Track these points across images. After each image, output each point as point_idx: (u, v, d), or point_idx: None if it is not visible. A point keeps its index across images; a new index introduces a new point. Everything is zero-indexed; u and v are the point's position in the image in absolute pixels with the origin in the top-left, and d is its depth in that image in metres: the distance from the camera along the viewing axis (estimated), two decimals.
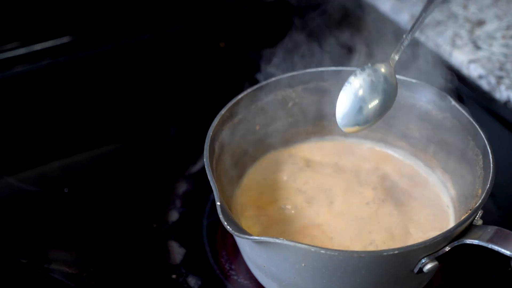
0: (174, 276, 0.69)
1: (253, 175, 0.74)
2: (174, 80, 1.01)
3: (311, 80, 0.74)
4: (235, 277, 0.69)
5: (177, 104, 0.96)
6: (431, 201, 0.71)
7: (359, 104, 0.60)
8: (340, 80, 0.73)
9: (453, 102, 0.68)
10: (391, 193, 0.72)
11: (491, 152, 0.62)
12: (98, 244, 0.74)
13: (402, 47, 0.62)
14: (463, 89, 0.94)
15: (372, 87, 0.60)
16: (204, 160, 0.62)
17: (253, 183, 0.73)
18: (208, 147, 0.64)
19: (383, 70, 0.61)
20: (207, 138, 0.65)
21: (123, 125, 0.92)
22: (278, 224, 0.68)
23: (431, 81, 0.92)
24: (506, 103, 0.91)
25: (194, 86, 0.99)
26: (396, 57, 0.62)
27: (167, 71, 1.03)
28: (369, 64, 0.61)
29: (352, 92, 0.60)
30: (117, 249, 0.73)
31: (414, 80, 0.71)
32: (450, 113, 0.69)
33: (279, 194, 0.72)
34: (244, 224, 0.68)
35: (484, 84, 0.95)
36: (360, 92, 0.60)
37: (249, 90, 0.71)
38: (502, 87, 0.92)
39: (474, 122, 0.66)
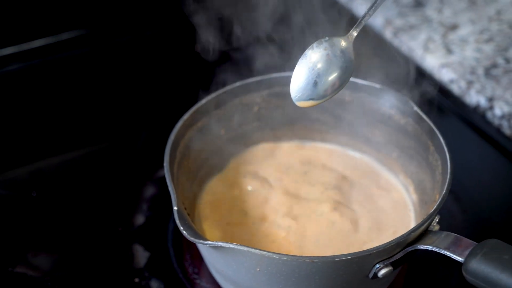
0: (137, 279, 0.70)
1: (218, 179, 0.74)
2: (149, 85, 1.01)
3: (275, 85, 0.74)
4: (198, 281, 0.69)
5: (150, 109, 0.96)
6: (395, 205, 0.72)
7: (314, 79, 0.58)
8: None
9: (415, 108, 0.69)
10: (356, 198, 0.73)
11: (449, 157, 0.63)
12: (63, 247, 0.74)
13: (363, 22, 0.59)
14: (434, 93, 0.95)
15: (328, 62, 0.58)
16: (164, 164, 0.63)
17: (218, 187, 0.74)
18: (169, 152, 0.64)
19: (341, 44, 0.58)
20: (168, 143, 0.65)
21: (94, 130, 0.92)
22: (241, 230, 0.69)
23: (402, 85, 0.93)
24: (475, 108, 0.92)
25: (168, 91, 0.99)
26: (355, 33, 0.59)
27: (142, 76, 1.03)
28: (327, 38, 0.59)
29: (307, 66, 0.58)
30: (81, 253, 0.73)
31: (377, 85, 0.72)
32: (412, 118, 0.70)
33: (243, 200, 0.72)
34: (207, 230, 0.68)
35: (455, 88, 0.95)
36: (316, 66, 0.58)
37: (213, 95, 0.71)
38: (472, 92, 0.92)
39: (434, 128, 0.66)
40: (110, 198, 0.80)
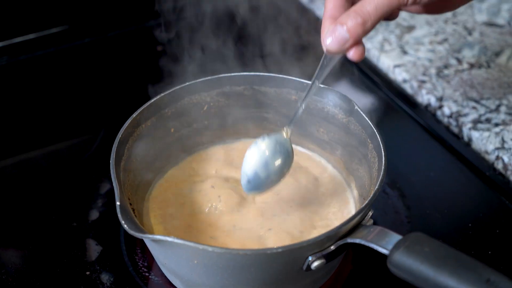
0: (88, 272, 0.72)
1: (167, 176, 0.77)
2: (110, 84, 1.03)
3: (225, 84, 0.76)
4: (147, 274, 0.72)
5: (111, 107, 0.98)
6: (338, 202, 0.74)
7: (258, 174, 0.65)
8: (255, 85, 0.77)
9: (356, 107, 0.71)
10: (302, 194, 0.75)
11: (384, 155, 0.65)
12: (17, 242, 0.76)
13: (296, 116, 0.67)
14: (388, 93, 0.98)
15: (270, 157, 0.65)
16: (110, 161, 0.65)
17: (167, 184, 0.76)
18: (115, 150, 0.66)
19: (279, 140, 0.66)
20: (115, 140, 0.67)
21: (52, 127, 0.94)
22: (188, 225, 0.71)
23: (357, 85, 0.96)
24: (426, 107, 0.95)
25: (129, 90, 1.01)
26: (289, 130, 0.67)
27: (103, 75, 1.05)
28: (266, 136, 0.66)
29: (251, 163, 0.65)
30: (36, 248, 0.75)
31: (322, 85, 0.74)
32: (353, 117, 0.72)
33: (192, 196, 0.74)
34: (154, 224, 0.71)
35: (407, 88, 0.98)
36: (258, 163, 0.65)
37: (162, 94, 0.73)
38: (423, 91, 0.95)
39: (373, 126, 0.69)
40: (67, 194, 0.82)
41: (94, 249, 0.75)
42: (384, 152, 0.66)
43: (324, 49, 0.60)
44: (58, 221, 0.78)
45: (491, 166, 0.85)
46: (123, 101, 0.99)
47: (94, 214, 0.79)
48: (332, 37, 0.59)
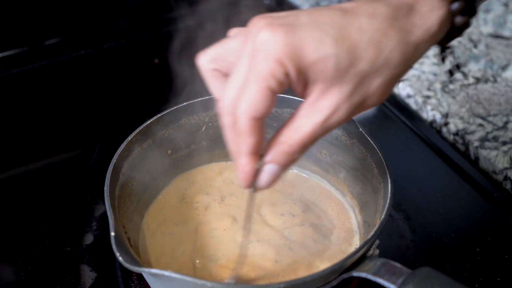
0: None
1: (162, 199, 0.74)
2: (105, 96, 1.01)
3: None
4: None
5: (106, 121, 0.95)
6: (343, 226, 0.72)
7: None
8: None
9: (360, 128, 0.69)
10: (303, 217, 0.72)
11: (390, 181, 0.63)
12: (10, 265, 0.74)
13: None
14: (392, 108, 0.95)
15: None
16: (105, 188, 0.62)
17: (164, 206, 0.73)
18: (109, 176, 0.63)
19: None
20: (110, 165, 0.65)
21: (45, 143, 0.92)
22: (190, 251, 0.68)
23: None
24: (431, 123, 0.92)
25: (125, 102, 0.99)
26: None
27: (98, 88, 1.02)
28: None
29: None
30: (28, 273, 0.72)
31: None
32: (357, 139, 0.69)
33: (191, 219, 0.72)
34: (150, 249, 0.68)
35: (411, 104, 0.95)
36: None
37: (158, 115, 0.71)
38: (428, 107, 0.92)
39: (379, 151, 0.66)
40: (61, 217, 0.79)
41: (88, 276, 0.72)
42: (390, 179, 0.63)
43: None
44: (51, 246, 0.75)
45: (499, 187, 0.82)
46: (119, 114, 0.96)
47: (89, 238, 0.77)
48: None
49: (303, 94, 0.48)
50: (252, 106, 0.46)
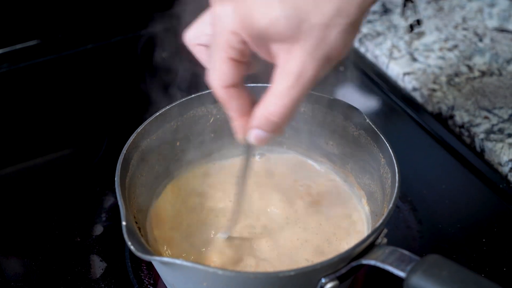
0: None
1: (171, 189, 0.75)
2: (114, 90, 1.01)
3: None
4: None
5: (114, 116, 0.96)
6: (350, 216, 0.72)
7: None
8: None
9: (367, 120, 0.69)
10: (311, 208, 0.73)
11: (397, 171, 0.63)
12: (21, 256, 0.74)
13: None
14: (398, 101, 0.96)
15: None
16: (115, 178, 0.63)
17: (171, 197, 0.74)
18: (120, 166, 0.64)
19: None
20: (120, 156, 0.65)
21: (54, 136, 0.93)
22: (198, 242, 0.69)
23: (367, 93, 0.94)
24: (437, 116, 0.93)
25: (131, 97, 1.00)
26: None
27: (106, 82, 1.03)
28: None
29: None
30: (38, 263, 0.73)
31: (331, 97, 0.72)
32: (364, 130, 0.70)
33: (200, 210, 0.72)
34: (158, 237, 0.69)
35: (417, 97, 0.96)
36: None
37: (167, 107, 0.71)
38: (434, 100, 0.93)
39: (385, 141, 0.67)
40: (70, 208, 0.80)
41: (98, 266, 0.73)
42: (397, 169, 0.64)
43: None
44: (61, 236, 0.76)
45: (504, 178, 0.83)
46: (127, 108, 0.97)
47: (98, 229, 0.77)
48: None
49: (273, 62, 0.50)
50: (218, 76, 0.51)
